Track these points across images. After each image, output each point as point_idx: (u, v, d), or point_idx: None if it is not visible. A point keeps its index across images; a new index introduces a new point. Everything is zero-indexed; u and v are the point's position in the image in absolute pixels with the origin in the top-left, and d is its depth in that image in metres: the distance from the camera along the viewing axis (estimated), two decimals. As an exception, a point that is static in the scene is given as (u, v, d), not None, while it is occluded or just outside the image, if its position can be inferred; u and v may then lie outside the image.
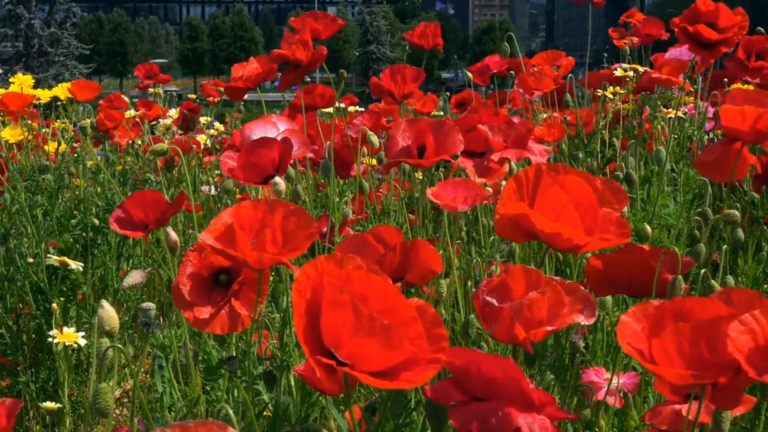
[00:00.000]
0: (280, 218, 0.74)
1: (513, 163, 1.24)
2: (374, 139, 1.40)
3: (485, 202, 1.37)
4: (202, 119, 2.61)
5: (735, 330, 0.56)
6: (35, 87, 2.05)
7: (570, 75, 2.05)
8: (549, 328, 0.66)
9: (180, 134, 2.55)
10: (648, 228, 1.12)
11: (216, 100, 2.68)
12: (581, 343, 0.93)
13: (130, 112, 2.39)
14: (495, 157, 1.20)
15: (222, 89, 2.54)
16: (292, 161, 1.31)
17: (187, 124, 2.58)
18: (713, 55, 1.39)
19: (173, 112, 2.47)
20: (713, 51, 1.39)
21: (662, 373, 0.58)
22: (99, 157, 2.05)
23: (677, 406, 0.72)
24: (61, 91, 2.04)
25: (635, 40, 2.55)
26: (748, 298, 0.60)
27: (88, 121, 1.67)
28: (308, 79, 2.17)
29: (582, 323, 0.69)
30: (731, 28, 1.36)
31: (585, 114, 2.01)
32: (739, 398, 0.58)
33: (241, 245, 0.73)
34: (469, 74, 2.33)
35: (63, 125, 2.12)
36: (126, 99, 2.43)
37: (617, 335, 0.60)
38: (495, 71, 2.19)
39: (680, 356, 0.58)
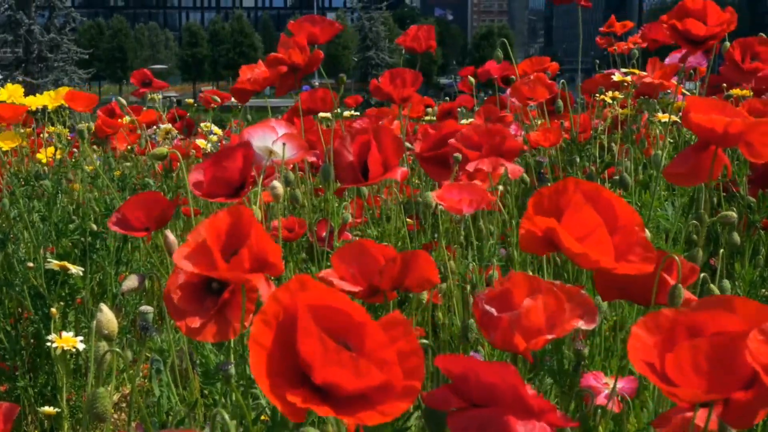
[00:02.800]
0: (254, 233, 0.74)
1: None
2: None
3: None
4: (203, 125, 2.61)
5: (755, 339, 0.55)
6: (35, 93, 2.05)
7: (563, 81, 2.06)
8: (549, 336, 0.66)
9: (180, 138, 2.56)
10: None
11: (213, 106, 2.69)
12: (586, 351, 0.93)
13: (127, 118, 2.39)
14: (470, 167, 1.20)
15: (218, 98, 2.55)
16: (291, 166, 1.31)
17: (191, 129, 2.58)
18: (701, 49, 1.41)
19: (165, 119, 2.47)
20: (701, 46, 1.40)
21: (676, 392, 0.57)
22: (98, 162, 2.05)
23: (688, 414, 0.72)
24: (48, 99, 2.03)
25: (628, 46, 2.56)
26: (755, 310, 0.59)
27: (86, 125, 1.68)
28: (316, 84, 2.17)
29: (582, 328, 0.69)
30: (719, 25, 1.37)
31: (582, 120, 2.02)
32: (752, 419, 0.57)
33: (219, 263, 0.73)
34: (471, 79, 2.33)
35: (57, 130, 2.11)
36: (123, 104, 2.43)
37: (628, 349, 0.59)
38: (496, 76, 2.20)
39: (696, 372, 0.57)
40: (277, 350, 0.57)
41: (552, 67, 2.11)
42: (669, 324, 0.59)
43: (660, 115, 1.85)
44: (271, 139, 1.15)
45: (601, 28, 2.78)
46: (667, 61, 1.97)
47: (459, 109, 2.52)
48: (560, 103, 1.89)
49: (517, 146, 1.24)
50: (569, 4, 2.07)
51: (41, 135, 2.08)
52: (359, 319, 0.58)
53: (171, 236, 1.05)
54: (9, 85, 1.92)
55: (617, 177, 1.51)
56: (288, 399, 0.56)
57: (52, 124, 2.11)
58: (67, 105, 2.01)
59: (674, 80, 1.90)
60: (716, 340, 0.56)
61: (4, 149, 1.79)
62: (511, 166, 1.24)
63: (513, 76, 2.22)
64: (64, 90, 2.06)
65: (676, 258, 0.78)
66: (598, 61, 2.69)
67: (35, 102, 1.95)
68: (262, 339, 0.57)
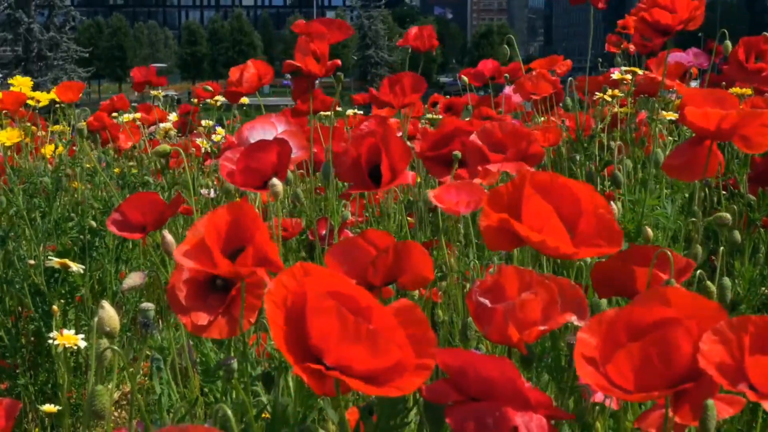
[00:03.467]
0: (259, 232, 0.74)
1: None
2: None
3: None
4: (204, 122, 2.61)
5: (707, 341, 0.56)
6: (34, 91, 2.06)
7: (570, 78, 2.07)
8: (542, 328, 0.66)
9: (179, 136, 2.56)
10: (649, 231, 1.12)
11: (218, 102, 2.68)
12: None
13: (127, 116, 2.40)
14: (493, 167, 1.19)
15: (210, 88, 2.55)
16: (292, 166, 1.31)
17: (185, 127, 2.58)
18: (670, 37, 1.42)
19: (173, 116, 2.48)
20: (670, 35, 1.41)
21: (622, 396, 0.58)
22: (96, 160, 2.05)
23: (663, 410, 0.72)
24: (55, 95, 2.05)
25: (631, 47, 2.56)
26: (689, 300, 0.60)
27: (84, 123, 1.68)
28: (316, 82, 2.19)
29: (575, 323, 0.69)
30: (689, 12, 1.38)
31: (583, 119, 2.02)
32: (698, 412, 0.58)
33: (217, 259, 0.73)
34: (464, 78, 2.34)
35: (60, 128, 2.13)
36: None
37: (574, 356, 0.59)
38: (489, 76, 2.20)
39: (634, 374, 0.58)
40: (292, 330, 0.58)
41: (565, 65, 2.12)
42: (607, 324, 0.60)
43: (663, 113, 1.86)
44: (271, 136, 1.14)
45: (615, 29, 2.80)
46: (669, 59, 1.98)
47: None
48: (568, 100, 1.90)
49: (541, 151, 1.23)
50: (572, 5, 2.08)
51: (45, 131, 2.09)
52: (365, 303, 0.59)
53: (168, 236, 1.05)
54: (19, 77, 1.94)
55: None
56: (312, 368, 0.56)
57: (56, 123, 2.12)
58: (58, 99, 2.02)
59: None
60: (650, 341, 0.57)
61: (7, 144, 1.79)
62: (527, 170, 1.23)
63: (506, 75, 2.22)
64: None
65: (668, 252, 0.78)
66: (600, 60, 2.70)
67: (44, 97, 1.97)
68: (275, 318, 0.58)
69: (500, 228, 0.75)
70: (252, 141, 1.13)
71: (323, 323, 0.56)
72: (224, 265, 0.73)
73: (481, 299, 0.68)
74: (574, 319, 0.67)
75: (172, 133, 2.26)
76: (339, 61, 1.56)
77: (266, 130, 1.15)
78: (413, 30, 2.11)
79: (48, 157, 1.98)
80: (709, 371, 0.55)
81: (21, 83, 1.92)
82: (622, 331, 0.60)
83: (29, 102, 1.96)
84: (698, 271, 0.88)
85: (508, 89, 2.14)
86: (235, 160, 1.06)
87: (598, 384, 0.58)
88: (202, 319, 0.78)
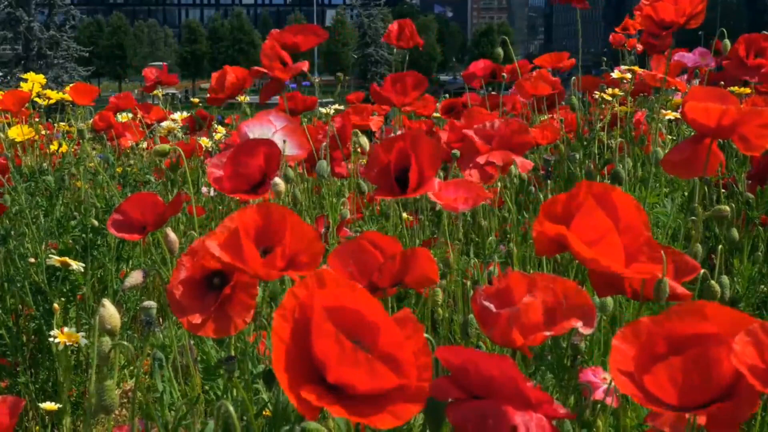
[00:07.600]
0: (289, 233, 0.74)
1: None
2: (363, 140, 1.42)
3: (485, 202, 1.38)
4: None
5: (741, 342, 0.56)
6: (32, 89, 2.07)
7: (573, 78, 2.07)
8: (548, 333, 0.66)
9: (185, 134, 2.56)
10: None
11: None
12: (582, 345, 0.93)
13: (124, 115, 2.40)
14: (481, 160, 1.19)
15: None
16: (292, 164, 1.31)
17: (194, 125, 2.58)
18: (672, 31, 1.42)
19: (178, 115, 2.48)
20: (672, 30, 1.42)
21: (657, 410, 0.58)
22: (98, 159, 2.06)
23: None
24: (55, 94, 2.06)
25: (639, 46, 2.57)
26: (728, 317, 0.60)
27: (87, 124, 1.68)
28: (317, 80, 2.20)
29: (580, 329, 0.69)
30: (692, 7, 1.38)
31: (584, 117, 2.03)
32: (735, 427, 0.58)
33: (249, 258, 0.73)
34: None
35: (66, 127, 2.13)
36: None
37: (609, 363, 0.60)
38: (481, 76, 2.20)
39: (673, 387, 0.58)
40: (294, 346, 0.58)
41: (570, 63, 2.14)
42: (646, 336, 0.60)
43: (663, 111, 1.87)
44: (270, 133, 1.14)
45: (617, 28, 2.81)
46: (675, 58, 1.98)
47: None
48: (574, 99, 1.91)
49: (529, 140, 1.23)
50: (552, 4, 2.10)
51: (50, 130, 2.10)
52: (371, 317, 0.58)
53: (171, 234, 1.05)
54: (32, 73, 1.95)
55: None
56: (303, 396, 0.56)
57: (62, 121, 2.13)
58: (70, 99, 2.03)
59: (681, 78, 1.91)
60: (692, 356, 0.57)
61: (18, 140, 1.80)
62: (520, 160, 1.23)
63: (503, 75, 2.23)
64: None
65: (662, 252, 0.78)
66: (605, 59, 2.71)
67: (55, 95, 1.98)
68: (281, 333, 0.58)
69: (553, 238, 0.75)
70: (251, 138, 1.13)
71: (324, 345, 0.56)
72: (255, 263, 0.73)
73: (486, 303, 0.68)
74: (579, 325, 0.67)
75: (175, 131, 2.26)
76: (305, 63, 1.58)
77: (264, 127, 1.15)
78: (395, 27, 2.11)
79: (52, 154, 1.99)
80: (742, 371, 0.55)
81: (34, 79, 1.93)
82: (661, 344, 0.60)
83: (37, 99, 1.97)
84: (702, 271, 0.88)
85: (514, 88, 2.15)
86: (222, 165, 1.02)
87: (632, 394, 0.58)
88: (197, 317, 0.78)
